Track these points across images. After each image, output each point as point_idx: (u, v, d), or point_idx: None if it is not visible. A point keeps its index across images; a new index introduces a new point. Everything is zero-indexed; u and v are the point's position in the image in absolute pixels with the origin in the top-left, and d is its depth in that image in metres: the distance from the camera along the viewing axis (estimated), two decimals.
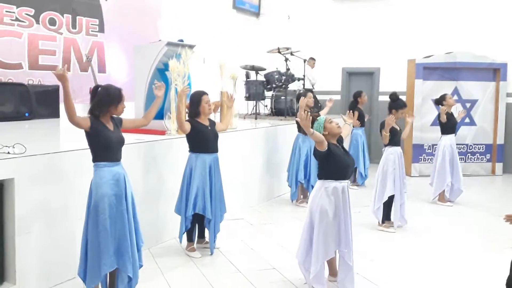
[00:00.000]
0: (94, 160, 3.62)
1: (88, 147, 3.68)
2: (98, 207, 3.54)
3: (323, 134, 4.00)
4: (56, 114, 7.74)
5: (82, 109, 8.50)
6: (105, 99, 3.61)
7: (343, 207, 3.99)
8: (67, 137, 6.27)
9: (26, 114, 7.24)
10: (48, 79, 8.10)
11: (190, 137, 4.83)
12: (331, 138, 4.05)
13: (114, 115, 3.76)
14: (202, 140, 4.80)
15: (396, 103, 6.07)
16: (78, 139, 6.09)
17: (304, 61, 9.61)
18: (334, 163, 3.96)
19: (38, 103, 7.46)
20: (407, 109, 6.26)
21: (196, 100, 4.91)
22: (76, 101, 8.59)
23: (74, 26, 8.66)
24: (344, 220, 4.00)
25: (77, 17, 8.71)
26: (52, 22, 8.29)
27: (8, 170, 3.64)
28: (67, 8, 8.53)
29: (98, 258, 3.54)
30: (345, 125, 4.71)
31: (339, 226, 3.98)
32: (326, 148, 3.91)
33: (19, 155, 3.79)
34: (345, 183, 4.04)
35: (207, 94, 4.99)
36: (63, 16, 8.46)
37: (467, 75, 10.14)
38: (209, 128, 4.90)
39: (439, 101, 7.50)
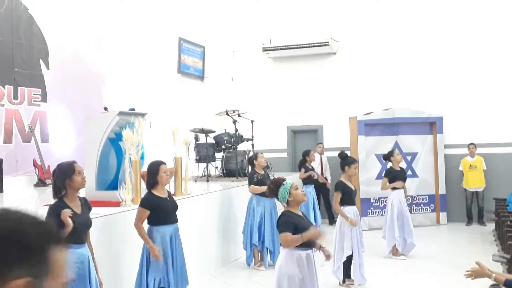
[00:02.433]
0: None
1: None
2: None
3: (287, 200, 4.05)
4: None
5: (25, 181, 8.29)
6: (58, 177, 3.57)
7: (309, 274, 4.01)
8: None
9: None
10: None
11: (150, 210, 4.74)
12: (294, 204, 4.10)
13: (80, 196, 3.69)
14: (161, 213, 4.72)
15: (346, 160, 6.25)
16: None
17: (252, 122, 9.77)
18: (296, 231, 3.98)
19: None
20: (357, 164, 6.45)
21: (154, 170, 4.85)
22: (20, 173, 8.35)
23: (16, 97, 8.45)
24: (311, 285, 4.00)
25: (19, 87, 8.52)
26: None
27: None
28: (9, 79, 8.34)
29: None
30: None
31: None
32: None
33: None
34: (309, 250, 4.06)
35: (165, 164, 4.96)
36: (4, 88, 8.25)
37: (406, 129, 10.64)
38: (168, 199, 4.84)
39: (387, 157, 7.80)
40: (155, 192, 4.79)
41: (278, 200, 4.23)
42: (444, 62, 10.84)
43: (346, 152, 6.46)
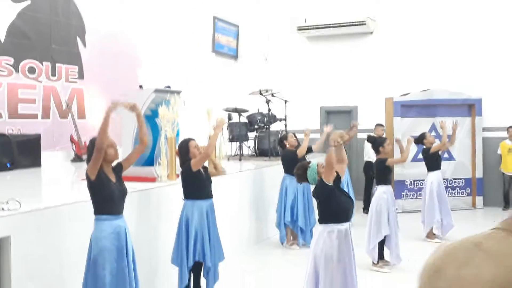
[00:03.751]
0: (96, 213, 3.53)
1: (85, 200, 3.59)
2: (98, 262, 3.43)
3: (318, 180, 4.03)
4: (37, 163, 7.56)
5: (63, 156, 8.46)
6: (92, 150, 3.58)
7: (347, 250, 3.97)
8: (50, 187, 6.13)
9: (8, 165, 7.04)
10: (28, 127, 7.97)
11: (188, 183, 4.76)
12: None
13: (114, 165, 3.71)
14: (198, 186, 4.74)
15: (377, 141, 6.16)
16: (61, 188, 6.00)
17: (285, 102, 9.70)
18: (335, 205, 3.95)
19: (19, 153, 7.27)
20: (389, 140, 6.34)
21: (185, 148, 4.86)
22: (57, 148, 8.52)
23: (53, 74, 8.59)
24: (349, 263, 3.97)
25: (57, 64, 8.65)
26: (32, 70, 8.21)
27: (3, 228, 3.49)
28: (47, 56, 8.47)
29: None
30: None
31: (344, 270, 3.94)
32: (332, 182, 3.91)
33: (14, 211, 3.65)
34: (347, 225, 4.03)
35: (194, 140, 4.96)
36: (42, 64, 8.39)
37: (444, 111, 10.38)
38: (203, 173, 4.86)
39: (419, 140, 7.64)
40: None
41: (309, 183, 4.20)
42: (484, 43, 10.48)
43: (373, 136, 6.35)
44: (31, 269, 3.66)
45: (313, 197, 4.13)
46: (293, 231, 7.22)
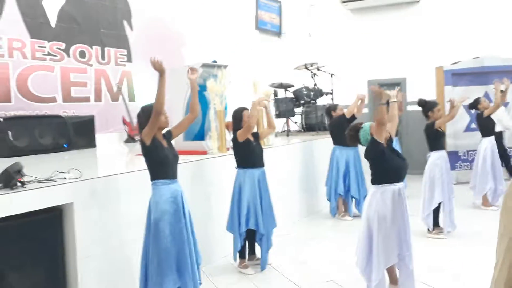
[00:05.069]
0: (152, 179, 3.63)
1: (142, 168, 3.70)
2: (159, 225, 3.53)
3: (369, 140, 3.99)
4: (92, 144, 7.82)
5: (116, 137, 8.70)
6: (144, 117, 3.66)
7: (400, 211, 3.92)
8: (106, 162, 6.33)
9: (65, 146, 7.32)
10: (82, 110, 8.23)
11: (239, 153, 4.84)
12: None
13: (164, 132, 3.80)
14: (250, 154, 4.81)
15: (427, 105, 6.01)
16: (117, 163, 6.20)
17: (331, 75, 9.60)
18: (387, 164, 3.91)
19: (75, 134, 7.54)
20: (440, 106, 6.17)
21: (239, 116, 4.93)
22: (110, 130, 8.77)
23: (103, 57, 8.81)
24: (402, 223, 3.93)
25: (106, 48, 8.87)
26: (82, 54, 8.44)
27: (66, 195, 3.66)
28: (96, 40, 8.69)
29: (160, 277, 3.51)
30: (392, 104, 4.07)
31: (398, 230, 3.90)
32: (383, 141, 3.87)
33: (75, 179, 3.81)
34: (400, 185, 3.97)
35: (248, 109, 5.01)
36: (92, 48, 8.61)
37: (497, 79, 9.99)
38: (255, 143, 4.90)
39: (473, 106, 7.43)
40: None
41: (362, 144, 4.15)
42: None
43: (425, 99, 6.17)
44: (93, 233, 3.82)
45: (365, 158, 4.08)
46: (344, 202, 7.20)
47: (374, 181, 3.98)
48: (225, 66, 6.45)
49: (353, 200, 7.18)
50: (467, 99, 6.52)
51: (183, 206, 3.67)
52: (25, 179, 3.51)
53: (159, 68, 3.61)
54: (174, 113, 6.26)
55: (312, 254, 5.50)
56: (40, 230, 3.54)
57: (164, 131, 3.84)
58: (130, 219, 4.08)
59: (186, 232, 3.63)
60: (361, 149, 4.42)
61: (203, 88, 6.05)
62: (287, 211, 6.91)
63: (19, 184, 3.43)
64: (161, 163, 3.60)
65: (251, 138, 4.89)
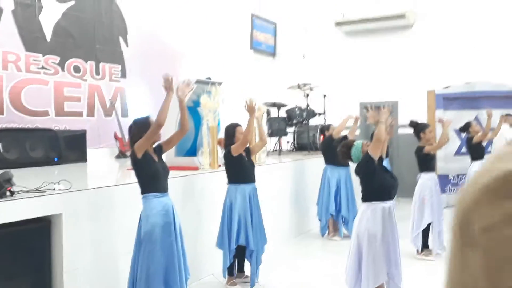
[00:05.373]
0: (143, 192, 3.63)
1: (132, 182, 3.70)
2: (149, 238, 3.52)
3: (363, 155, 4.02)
4: (83, 159, 7.78)
5: (107, 153, 8.68)
6: (136, 130, 3.68)
7: (390, 228, 3.93)
8: (97, 176, 6.30)
9: (55, 159, 7.28)
10: (74, 125, 8.21)
11: (230, 168, 4.84)
12: None
13: (154, 147, 3.81)
14: (242, 170, 4.81)
15: (418, 126, 6.07)
16: (108, 176, 6.18)
17: (324, 96, 9.67)
18: (378, 182, 3.93)
19: (66, 147, 7.51)
20: (431, 127, 6.23)
21: (231, 132, 4.95)
22: (102, 145, 8.75)
23: (97, 73, 8.83)
24: (392, 241, 3.94)
25: (100, 63, 8.89)
26: (77, 69, 8.46)
27: (55, 206, 3.64)
28: (91, 55, 8.72)
29: None
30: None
31: (388, 248, 3.91)
32: (378, 157, 3.90)
33: (65, 190, 3.79)
34: (391, 203, 3.99)
35: (241, 126, 5.03)
36: (87, 63, 8.64)
37: (487, 104, 10.10)
38: (246, 158, 4.92)
39: (464, 129, 7.51)
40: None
41: (353, 161, 4.18)
42: None
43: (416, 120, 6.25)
44: (82, 245, 3.79)
45: (356, 175, 4.10)
46: (334, 222, 7.19)
47: (365, 198, 4.00)
48: (219, 83, 6.49)
49: (343, 220, 7.16)
50: (450, 123, 6.60)
51: (174, 219, 3.66)
52: (14, 189, 3.49)
53: (169, 86, 3.65)
54: (166, 129, 6.27)
55: (301, 273, 5.48)
56: (28, 240, 3.51)
57: (154, 145, 3.85)
58: (119, 232, 4.05)
59: (176, 246, 3.61)
60: (353, 168, 4.44)
61: (196, 104, 6.09)
62: (277, 229, 6.88)
63: (8, 193, 3.41)
64: (152, 177, 3.60)
65: (243, 153, 4.90)
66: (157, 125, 3.57)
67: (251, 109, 4.98)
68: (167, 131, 5.77)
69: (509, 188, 0.81)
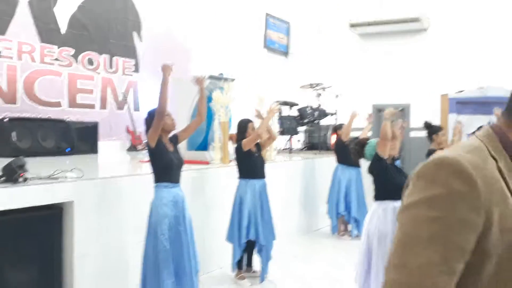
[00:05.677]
0: (155, 181, 3.63)
1: (143, 173, 3.70)
2: (158, 228, 3.52)
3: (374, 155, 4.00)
4: (94, 150, 7.82)
5: (119, 146, 8.71)
6: (150, 120, 3.69)
7: None
8: (109, 166, 6.33)
9: (67, 150, 7.31)
10: (86, 117, 8.25)
11: (241, 162, 4.83)
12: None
13: (170, 136, 3.81)
14: (252, 165, 4.80)
15: (432, 128, 6.02)
16: (120, 167, 6.19)
17: (336, 96, 9.64)
18: (390, 180, 3.90)
19: (78, 139, 7.55)
20: (444, 131, 6.20)
21: (244, 127, 4.94)
22: (114, 138, 8.78)
23: (111, 66, 8.86)
24: None
25: (114, 57, 8.93)
26: (90, 62, 8.50)
27: (67, 193, 3.65)
28: (105, 49, 8.76)
29: (159, 279, 3.48)
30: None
31: None
32: (387, 156, 3.88)
33: (77, 178, 3.80)
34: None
35: (253, 122, 5.03)
36: (100, 56, 8.67)
37: (497, 107, 10.05)
38: (257, 154, 4.91)
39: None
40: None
41: (366, 158, 4.15)
42: None
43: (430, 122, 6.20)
44: (92, 232, 3.80)
45: (369, 173, 4.08)
46: (345, 221, 7.16)
47: (377, 197, 3.97)
48: (232, 79, 6.49)
49: (354, 221, 7.11)
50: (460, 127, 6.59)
51: (184, 211, 3.66)
52: (27, 175, 3.51)
53: (166, 69, 3.62)
54: (180, 123, 6.28)
55: (310, 270, 5.46)
56: (40, 226, 3.53)
57: (170, 134, 3.85)
58: (130, 221, 4.06)
59: (185, 237, 3.61)
60: (364, 169, 4.43)
61: (209, 99, 6.08)
62: (286, 226, 6.87)
63: (21, 179, 3.43)
64: (165, 167, 3.60)
65: (254, 149, 4.89)
66: (157, 114, 3.56)
67: (271, 112, 5.01)
68: (181, 121, 5.81)
69: (433, 173, 0.86)
